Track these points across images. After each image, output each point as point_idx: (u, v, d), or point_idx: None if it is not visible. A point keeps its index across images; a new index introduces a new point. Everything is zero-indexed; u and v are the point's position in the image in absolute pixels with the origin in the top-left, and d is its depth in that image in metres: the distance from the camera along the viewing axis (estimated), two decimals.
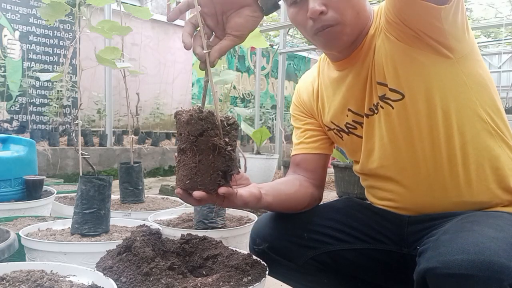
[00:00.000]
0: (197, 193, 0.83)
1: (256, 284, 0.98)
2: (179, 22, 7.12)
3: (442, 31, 0.91)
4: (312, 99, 1.23)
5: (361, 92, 1.07)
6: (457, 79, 0.97)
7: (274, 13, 7.49)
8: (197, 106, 0.84)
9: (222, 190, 0.84)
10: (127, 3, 2.10)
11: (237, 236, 1.81)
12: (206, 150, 0.81)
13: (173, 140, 6.37)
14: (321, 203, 1.26)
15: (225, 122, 0.84)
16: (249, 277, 0.99)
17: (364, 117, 1.09)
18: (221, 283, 0.95)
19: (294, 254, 1.13)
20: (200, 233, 1.39)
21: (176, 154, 0.86)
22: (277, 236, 1.14)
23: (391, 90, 1.00)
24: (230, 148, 0.82)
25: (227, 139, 0.83)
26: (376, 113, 1.05)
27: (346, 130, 1.15)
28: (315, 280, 1.17)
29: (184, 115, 0.81)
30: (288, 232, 1.14)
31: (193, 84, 7.31)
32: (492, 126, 1.00)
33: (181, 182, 0.84)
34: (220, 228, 1.80)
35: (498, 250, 0.72)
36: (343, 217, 1.15)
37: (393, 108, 1.01)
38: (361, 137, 1.12)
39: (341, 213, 1.17)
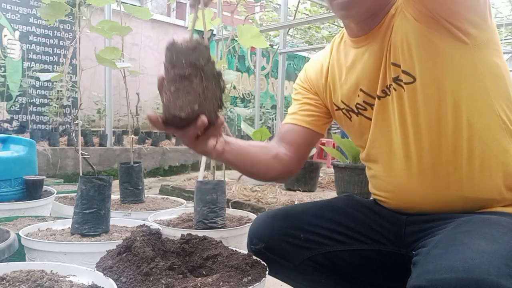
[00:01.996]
0: (204, 118, 0.81)
1: (256, 284, 0.98)
2: (179, 22, 7.13)
3: (457, 14, 0.88)
4: (320, 77, 1.20)
5: (375, 72, 1.04)
6: (472, 67, 0.93)
7: (274, 13, 7.50)
8: (188, 37, 0.83)
9: (222, 119, 0.86)
10: (127, 3, 2.10)
11: (237, 236, 1.81)
12: (211, 77, 0.80)
13: (173, 140, 6.36)
14: (321, 200, 1.25)
15: None
16: (249, 277, 0.99)
17: (376, 98, 1.05)
18: (221, 283, 0.95)
19: (290, 254, 1.13)
20: (200, 233, 1.39)
21: (166, 83, 0.80)
22: (274, 236, 1.14)
23: (403, 72, 0.97)
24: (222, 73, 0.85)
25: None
26: (389, 95, 1.02)
27: (356, 111, 1.11)
28: (313, 280, 1.17)
29: (184, 43, 0.79)
30: (284, 232, 1.13)
31: None
32: (503, 120, 0.95)
33: (187, 107, 0.79)
34: (220, 228, 1.80)
35: (489, 267, 0.69)
36: (341, 218, 1.14)
37: (404, 91, 0.98)
38: (370, 119, 1.08)
39: (339, 213, 1.16)
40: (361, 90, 1.08)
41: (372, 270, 1.12)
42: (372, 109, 1.07)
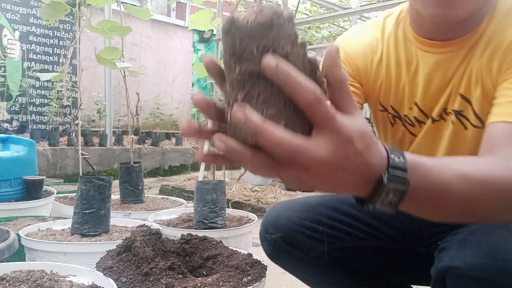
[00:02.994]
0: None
1: (256, 284, 0.98)
2: (179, 22, 7.13)
3: None
4: (370, 67, 0.99)
5: (439, 91, 0.91)
6: None
7: None
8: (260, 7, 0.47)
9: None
10: (127, 3, 2.11)
11: (237, 236, 1.81)
12: (301, 70, 0.46)
13: (173, 140, 6.36)
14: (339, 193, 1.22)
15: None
16: (249, 277, 0.99)
17: (430, 119, 0.95)
18: (221, 283, 0.96)
19: (307, 247, 1.11)
20: (200, 233, 1.39)
21: (228, 86, 0.47)
22: (291, 227, 1.11)
23: (475, 114, 0.87)
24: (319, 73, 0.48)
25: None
26: (445, 121, 0.93)
27: (403, 122, 1.00)
28: (325, 274, 1.16)
29: (253, 18, 0.45)
30: (302, 224, 1.11)
31: (193, 84, 7.31)
32: None
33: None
34: (220, 228, 1.80)
35: None
36: (360, 213, 1.13)
37: (466, 128, 0.89)
38: (414, 135, 0.99)
39: (359, 209, 1.14)
40: (416, 104, 0.95)
41: (386, 267, 1.12)
42: (421, 126, 0.97)
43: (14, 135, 2.60)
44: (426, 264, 0.82)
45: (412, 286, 1.20)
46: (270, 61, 0.41)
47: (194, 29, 5.35)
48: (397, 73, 0.96)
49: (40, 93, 5.25)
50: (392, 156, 0.48)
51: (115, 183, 2.13)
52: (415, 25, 0.91)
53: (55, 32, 5.35)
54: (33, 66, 5.16)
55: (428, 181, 0.51)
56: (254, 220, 1.97)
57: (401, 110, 0.98)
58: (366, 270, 1.13)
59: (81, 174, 1.60)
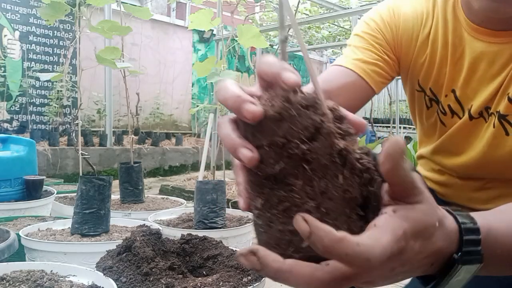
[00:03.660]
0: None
1: (256, 284, 0.98)
2: (179, 22, 7.13)
3: None
4: (415, 44, 0.89)
5: (483, 84, 0.83)
6: None
7: (274, 13, 7.51)
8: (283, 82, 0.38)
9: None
10: (127, 3, 2.11)
11: (237, 236, 1.81)
12: (328, 166, 0.37)
13: (173, 140, 6.37)
14: None
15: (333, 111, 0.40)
16: (249, 277, 0.99)
17: (466, 114, 0.87)
18: (221, 283, 0.96)
19: None
20: (200, 233, 1.39)
21: (250, 189, 0.39)
22: None
23: None
24: (365, 155, 0.39)
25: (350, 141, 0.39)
26: (485, 121, 0.85)
27: (439, 107, 0.92)
28: None
29: (264, 106, 0.37)
30: None
31: (193, 84, 7.31)
32: None
33: (284, 243, 0.38)
34: (220, 228, 1.80)
35: None
36: None
37: (507, 134, 0.82)
38: (444, 125, 0.92)
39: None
40: (453, 92, 0.88)
41: None
42: (453, 117, 0.89)
43: (14, 135, 2.61)
44: None
45: None
46: (302, 227, 0.33)
47: (194, 29, 5.35)
48: (442, 55, 0.87)
49: (40, 93, 5.25)
50: (465, 232, 0.42)
51: (115, 183, 2.13)
52: (466, 8, 0.82)
53: (55, 32, 5.35)
54: (33, 66, 5.16)
55: (500, 248, 0.46)
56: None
57: (439, 95, 0.90)
58: None
59: (81, 174, 1.60)
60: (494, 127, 0.83)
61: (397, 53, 0.91)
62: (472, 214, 0.45)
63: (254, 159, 0.36)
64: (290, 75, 0.37)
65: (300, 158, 0.36)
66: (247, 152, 0.36)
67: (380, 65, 0.87)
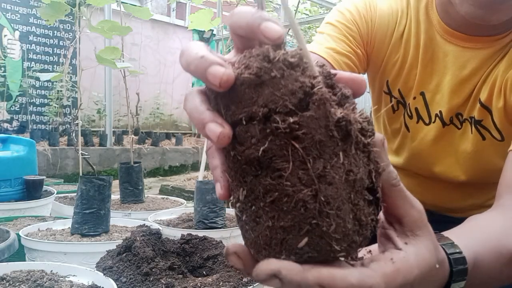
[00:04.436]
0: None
1: (256, 284, 0.98)
2: (179, 22, 7.13)
3: None
4: (388, 42, 0.86)
5: (454, 90, 0.81)
6: None
7: (275, 13, 7.52)
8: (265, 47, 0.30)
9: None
10: (127, 3, 2.11)
11: (237, 236, 1.81)
12: (324, 143, 0.29)
13: (173, 140, 6.37)
14: None
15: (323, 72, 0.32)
16: (249, 277, 0.99)
17: (437, 120, 0.85)
18: (221, 283, 0.96)
19: None
20: (200, 233, 1.39)
21: (229, 176, 0.32)
22: None
23: (495, 127, 0.79)
24: (367, 124, 0.31)
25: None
26: (458, 129, 0.83)
27: (405, 110, 0.90)
28: None
29: (238, 70, 0.29)
30: None
31: (193, 84, 7.32)
32: None
33: (278, 246, 0.30)
34: (220, 228, 1.80)
35: None
36: None
37: (484, 139, 0.81)
38: (409, 131, 0.90)
39: None
40: (422, 95, 0.85)
41: None
42: (418, 122, 0.87)
43: (14, 135, 2.60)
44: None
45: None
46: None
47: (194, 29, 5.34)
48: (413, 56, 0.84)
49: (40, 93, 5.25)
50: (455, 274, 0.43)
51: (115, 183, 2.13)
52: (442, 11, 0.80)
53: (55, 32, 5.36)
54: (33, 66, 5.16)
55: (481, 276, 0.48)
56: None
57: (408, 97, 0.87)
58: None
59: (81, 174, 1.60)
60: (471, 133, 0.81)
61: (368, 49, 0.87)
62: (456, 242, 0.45)
63: (224, 135, 0.28)
64: (271, 25, 0.29)
65: (288, 135, 0.28)
66: (216, 127, 0.28)
67: (352, 58, 0.83)
